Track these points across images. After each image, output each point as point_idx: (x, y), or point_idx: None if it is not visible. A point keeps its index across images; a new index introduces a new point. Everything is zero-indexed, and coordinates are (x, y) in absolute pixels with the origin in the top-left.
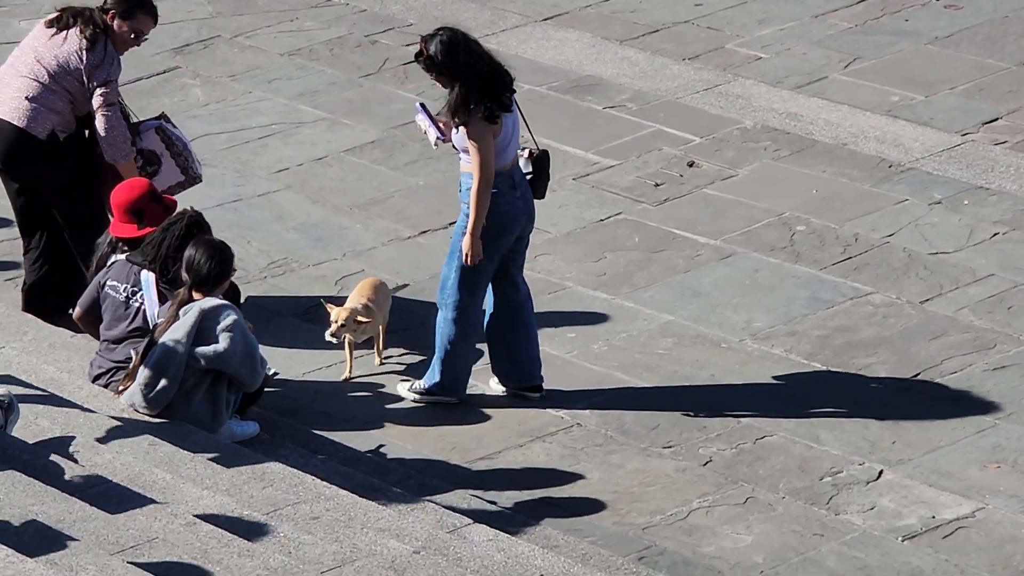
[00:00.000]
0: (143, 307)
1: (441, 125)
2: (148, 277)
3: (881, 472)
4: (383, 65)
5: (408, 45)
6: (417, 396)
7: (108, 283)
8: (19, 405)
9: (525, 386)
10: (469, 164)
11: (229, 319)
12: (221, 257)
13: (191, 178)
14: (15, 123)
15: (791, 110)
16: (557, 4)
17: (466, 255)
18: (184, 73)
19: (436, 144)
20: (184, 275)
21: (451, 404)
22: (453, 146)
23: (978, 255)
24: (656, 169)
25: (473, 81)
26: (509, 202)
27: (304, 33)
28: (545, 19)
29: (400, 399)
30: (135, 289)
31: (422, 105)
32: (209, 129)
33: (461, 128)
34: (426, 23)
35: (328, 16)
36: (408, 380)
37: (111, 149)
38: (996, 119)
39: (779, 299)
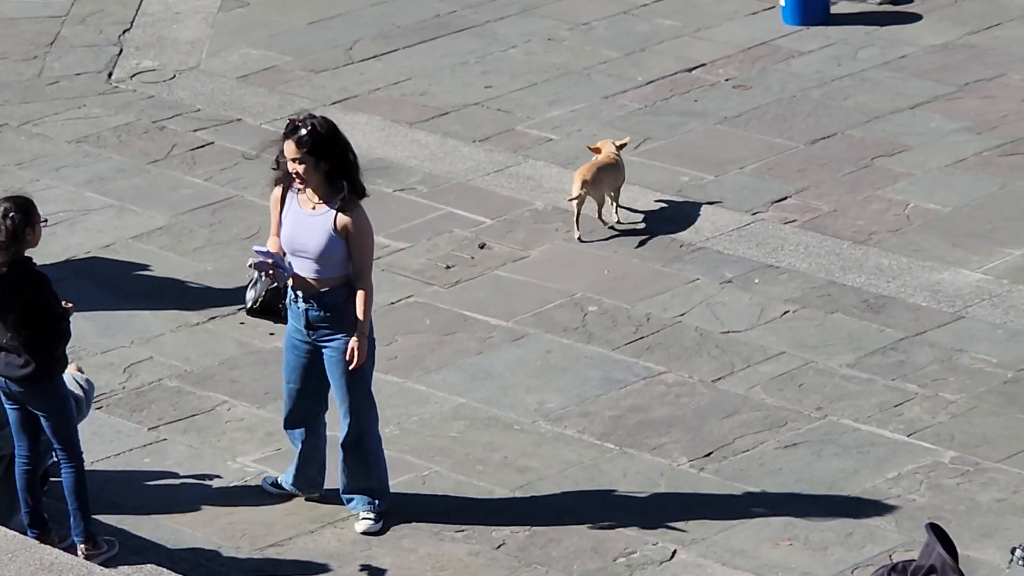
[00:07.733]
0: None
1: (278, 257)
2: None
3: (675, 552)
4: (171, 151)
5: (196, 131)
6: (380, 523)
7: None
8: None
9: (307, 493)
10: (333, 276)
11: None
12: None
13: None
14: None
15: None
16: (346, 88)
17: (362, 357)
18: None
19: (288, 281)
20: None
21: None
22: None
23: (769, 333)
24: (447, 251)
25: (352, 168)
26: None
27: (92, 120)
28: (334, 103)
29: (189, 482)
30: None
31: (261, 251)
32: None
33: (329, 231)
34: (214, 108)
35: (116, 103)
36: (366, 520)
37: None
38: (785, 198)
39: (572, 380)
